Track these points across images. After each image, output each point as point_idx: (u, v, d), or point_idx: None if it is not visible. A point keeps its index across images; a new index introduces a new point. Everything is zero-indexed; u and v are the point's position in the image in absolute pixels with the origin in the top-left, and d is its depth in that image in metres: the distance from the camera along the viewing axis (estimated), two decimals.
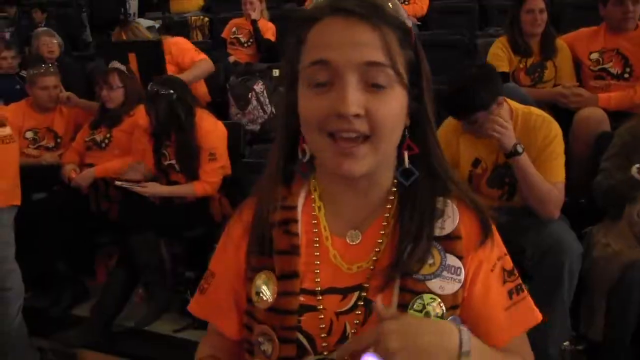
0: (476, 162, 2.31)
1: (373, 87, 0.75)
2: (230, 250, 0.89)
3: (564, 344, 2.18)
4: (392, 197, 0.84)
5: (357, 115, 0.74)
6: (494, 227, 0.85)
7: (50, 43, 4.59)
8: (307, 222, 0.86)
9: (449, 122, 2.34)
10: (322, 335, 0.80)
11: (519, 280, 0.86)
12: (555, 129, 2.21)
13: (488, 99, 2.12)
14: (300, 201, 0.87)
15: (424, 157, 0.83)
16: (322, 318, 0.81)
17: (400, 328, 0.71)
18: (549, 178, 2.14)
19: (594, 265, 2.14)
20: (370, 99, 0.75)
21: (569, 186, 2.23)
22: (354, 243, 0.84)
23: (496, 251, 0.85)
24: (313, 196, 0.87)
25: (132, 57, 3.53)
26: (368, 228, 0.84)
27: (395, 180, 0.85)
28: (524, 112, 2.25)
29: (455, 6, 5.10)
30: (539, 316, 0.87)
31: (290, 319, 0.81)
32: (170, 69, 3.66)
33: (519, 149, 2.10)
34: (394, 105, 0.76)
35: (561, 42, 3.14)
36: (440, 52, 4.21)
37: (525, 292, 0.87)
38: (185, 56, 3.81)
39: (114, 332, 2.78)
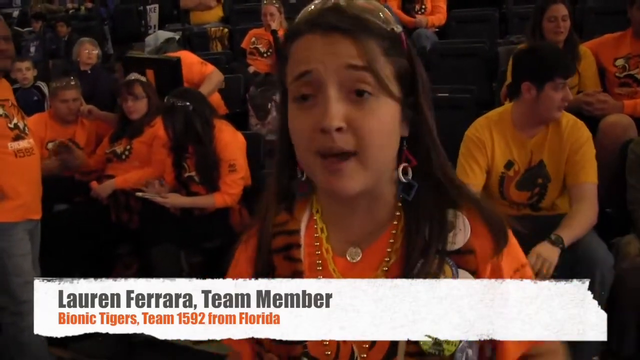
0: (509, 164, 2.28)
1: (356, 96, 0.73)
2: None
3: (593, 358, 2.13)
4: (398, 213, 0.81)
5: (340, 129, 0.72)
6: (512, 236, 0.81)
7: (92, 52, 4.80)
8: (310, 244, 0.83)
9: (481, 123, 2.31)
10: None
11: None
12: (586, 132, 2.21)
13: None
14: (303, 224, 0.84)
15: (426, 169, 0.79)
16: (327, 345, 0.78)
17: None
18: (582, 178, 2.10)
19: (623, 278, 2.07)
20: (353, 110, 0.72)
21: None
22: (355, 261, 0.81)
23: (513, 262, 0.80)
24: (315, 217, 0.84)
25: (149, 73, 3.52)
26: (371, 244, 0.81)
27: (400, 195, 0.81)
28: None
29: (475, 14, 5.06)
30: None
31: (296, 348, 0.78)
32: None
33: (562, 240, 2.03)
34: (380, 117, 0.74)
35: (584, 48, 3.08)
36: (461, 60, 4.20)
37: None
38: (193, 71, 3.71)
39: (133, 343, 2.77)
